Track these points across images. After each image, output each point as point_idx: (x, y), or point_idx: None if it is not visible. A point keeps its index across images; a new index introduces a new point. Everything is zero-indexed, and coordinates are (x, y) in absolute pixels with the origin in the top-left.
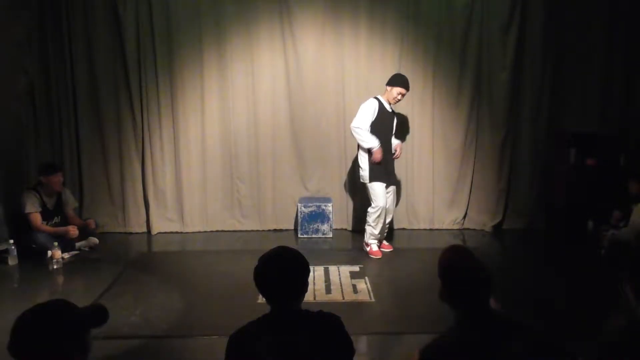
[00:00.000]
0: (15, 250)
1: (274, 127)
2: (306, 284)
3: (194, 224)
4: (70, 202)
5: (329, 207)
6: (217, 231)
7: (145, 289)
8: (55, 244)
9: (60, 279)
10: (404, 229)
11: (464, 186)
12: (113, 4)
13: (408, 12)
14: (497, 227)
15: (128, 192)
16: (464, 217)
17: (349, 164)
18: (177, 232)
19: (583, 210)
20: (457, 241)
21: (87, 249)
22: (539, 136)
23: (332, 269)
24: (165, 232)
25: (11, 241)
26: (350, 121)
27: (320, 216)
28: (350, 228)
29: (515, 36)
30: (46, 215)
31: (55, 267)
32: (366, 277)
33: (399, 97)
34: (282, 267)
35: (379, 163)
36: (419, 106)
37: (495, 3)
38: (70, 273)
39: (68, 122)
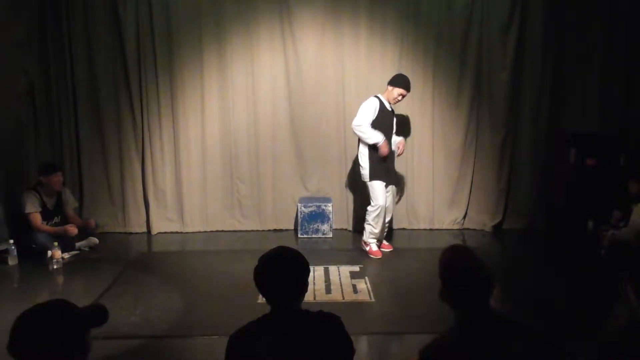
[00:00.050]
0: (15, 250)
1: (274, 127)
2: (306, 284)
3: (194, 224)
4: (70, 202)
5: (329, 207)
6: (217, 231)
7: (145, 289)
8: (55, 244)
9: (60, 279)
10: (404, 229)
11: (464, 186)
12: (113, 4)
13: (408, 12)
14: (497, 227)
15: (128, 192)
16: (464, 217)
17: (349, 164)
18: (177, 232)
19: (583, 210)
20: (457, 241)
21: (87, 249)
22: (539, 136)
23: (332, 269)
24: (165, 232)
25: (11, 241)
26: (351, 121)
27: (320, 216)
28: (350, 228)
29: (515, 36)
30: (46, 215)
31: (55, 267)
32: (366, 277)
33: (400, 97)
34: (282, 267)
35: (384, 159)
36: (419, 106)
37: (495, 3)
38: (70, 273)
39: (68, 122)
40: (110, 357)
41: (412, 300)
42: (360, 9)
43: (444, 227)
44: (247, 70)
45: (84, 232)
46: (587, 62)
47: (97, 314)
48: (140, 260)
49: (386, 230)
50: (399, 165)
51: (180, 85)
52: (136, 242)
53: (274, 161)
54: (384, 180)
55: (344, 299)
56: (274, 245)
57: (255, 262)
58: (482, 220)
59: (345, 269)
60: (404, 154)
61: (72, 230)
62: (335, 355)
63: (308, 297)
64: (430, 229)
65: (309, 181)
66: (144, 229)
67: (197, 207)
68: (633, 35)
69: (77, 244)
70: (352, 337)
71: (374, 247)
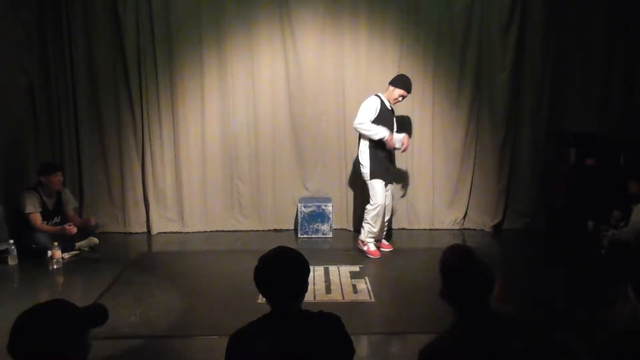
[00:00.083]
0: (15, 250)
1: (274, 127)
2: (306, 284)
3: (194, 224)
4: (71, 202)
5: (329, 207)
6: (217, 231)
7: (145, 289)
8: (55, 244)
9: (60, 279)
10: (404, 229)
11: (464, 186)
12: (113, 4)
13: (408, 12)
14: (497, 227)
15: (128, 192)
16: (464, 217)
17: (349, 164)
18: (177, 232)
19: (583, 210)
20: (457, 241)
21: (87, 249)
22: (539, 136)
23: (332, 269)
24: (165, 232)
25: (11, 241)
26: (351, 121)
27: (320, 216)
28: (350, 228)
29: (515, 36)
30: (46, 215)
31: (55, 267)
32: (366, 277)
33: (400, 98)
34: (282, 267)
35: (385, 158)
36: (419, 106)
37: (495, 3)
38: (70, 273)
39: (68, 122)
40: (110, 357)
41: (412, 300)
42: (360, 9)
43: (444, 227)
44: (247, 70)
45: (84, 231)
46: (587, 62)
47: (97, 314)
48: (140, 260)
49: (385, 229)
50: (399, 165)
51: (180, 86)
52: (136, 242)
53: (274, 161)
54: (384, 180)
55: (344, 299)
56: (274, 245)
57: (255, 262)
58: (482, 220)
59: (345, 269)
60: (404, 153)
61: (71, 229)
62: (335, 356)
63: (308, 297)
64: (430, 229)
65: (309, 181)
66: (144, 229)
67: (197, 207)
68: (633, 35)
69: (77, 244)
70: (352, 337)
71: (372, 247)
